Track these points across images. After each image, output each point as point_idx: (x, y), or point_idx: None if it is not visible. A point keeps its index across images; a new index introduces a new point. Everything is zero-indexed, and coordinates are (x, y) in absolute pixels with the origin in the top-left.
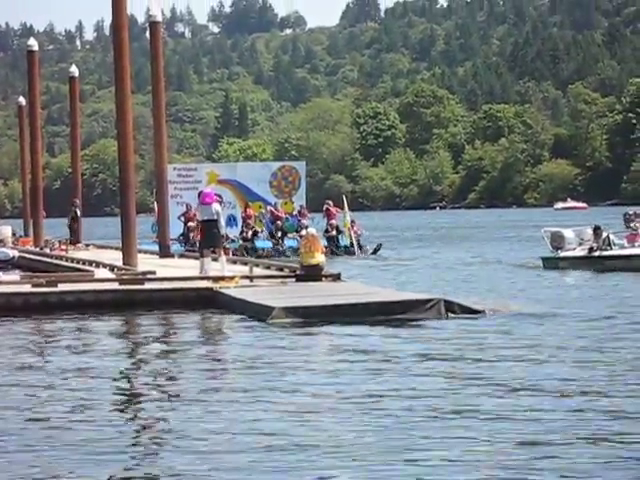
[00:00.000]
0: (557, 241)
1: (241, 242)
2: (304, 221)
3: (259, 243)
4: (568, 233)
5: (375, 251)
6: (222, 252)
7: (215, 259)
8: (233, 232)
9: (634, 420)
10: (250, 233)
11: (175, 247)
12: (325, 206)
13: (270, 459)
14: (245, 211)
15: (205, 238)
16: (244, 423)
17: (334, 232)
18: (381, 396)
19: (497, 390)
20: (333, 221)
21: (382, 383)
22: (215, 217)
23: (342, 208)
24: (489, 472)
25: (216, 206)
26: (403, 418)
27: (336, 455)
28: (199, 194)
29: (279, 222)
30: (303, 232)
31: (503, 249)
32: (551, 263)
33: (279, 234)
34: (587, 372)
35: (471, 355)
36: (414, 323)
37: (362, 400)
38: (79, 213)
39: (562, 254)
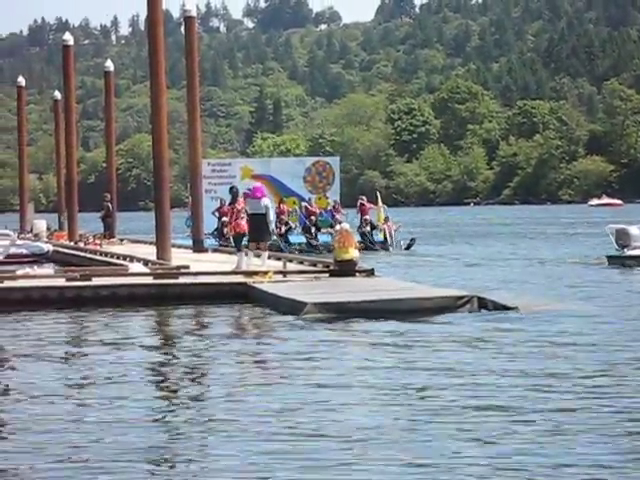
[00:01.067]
0: (623, 239)
1: (275, 237)
2: (338, 216)
3: (293, 238)
4: (634, 230)
5: (409, 246)
6: (266, 247)
7: (258, 255)
8: None
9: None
10: (284, 228)
11: (209, 242)
12: (359, 201)
13: (298, 451)
14: (279, 206)
15: (252, 231)
16: (276, 415)
17: (368, 227)
18: (415, 389)
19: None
20: (367, 216)
21: (415, 377)
22: (264, 211)
23: (376, 204)
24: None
25: (266, 200)
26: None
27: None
28: (230, 189)
29: (313, 217)
30: (337, 227)
31: (550, 246)
32: (617, 261)
33: (313, 229)
34: (565, 369)
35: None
36: (445, 319)
37: (396, 394)
38: (111, 208)
39: (628, 252)
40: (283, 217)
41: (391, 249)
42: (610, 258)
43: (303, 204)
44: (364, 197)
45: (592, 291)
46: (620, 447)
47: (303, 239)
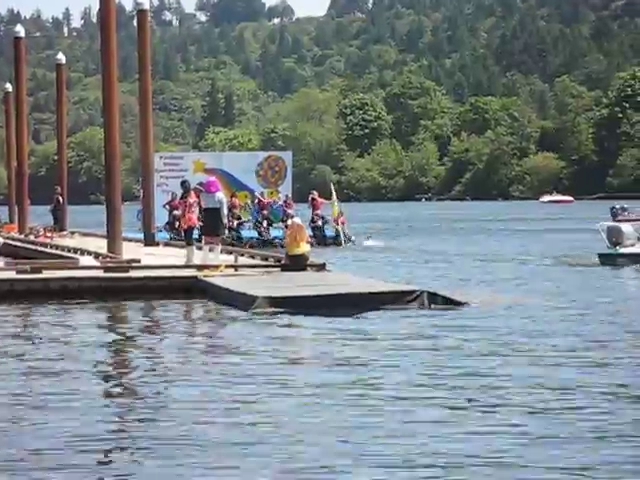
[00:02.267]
0: (615, 236)
1: (226, 232)
2: (290, 211)
3: (245, 233)
4: (627, 227)
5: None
6: (219, 241)
7: (211, 249)
8: None
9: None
10: (235, 223)
11: (161, 235)
12: (310, 196)
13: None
14: (231, 200)
15: (206, 226)
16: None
17: (320, 222)
18: (354, 385)
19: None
20: (319, 211)
21: (351, 373)
22: (218, 206)
23: (329, 198)
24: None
25: (220, 195)
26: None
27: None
28: (182, 183)
29: (265, 211)
30: (289, 222)
31: (515, 244)
32: (609, 259)
33: (265, 223)
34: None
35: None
36: (393, 314)
37: (328, 390)
38: (61, 200)
39: (621, 250)
40: (235, 211)
41: (343, 244)
42: (602, 256)
43: (256, 195)
44: (315, 192)
45: (566, 287)
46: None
47: (255, 234)
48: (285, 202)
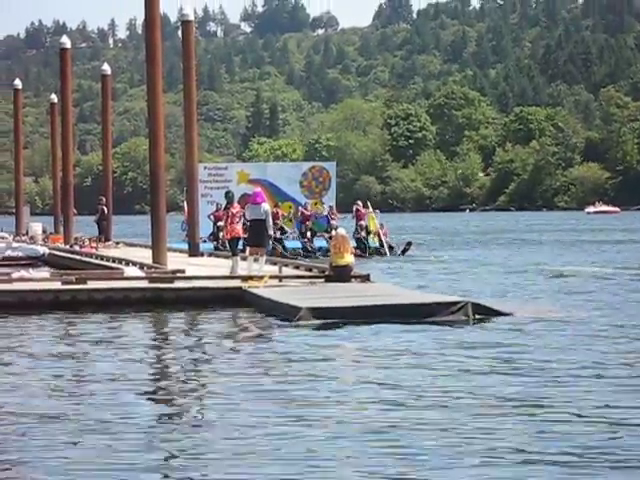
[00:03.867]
0: None
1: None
2: (333, 222)
3: (289, 243)
4: None
5: (404, 251)
6: (264, 252)
7: (256, 259)
8: None
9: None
10: (279, 233)
11: (205, 246)
12: (355, 207)
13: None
14: (275, 211)
15: (252, 237)
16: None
17: (363, 233)
18: (400, 403)
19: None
20: (362, 222)
21: (402, 388)
22: (263, 217)
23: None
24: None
25: (265, 206)
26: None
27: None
28: (226, 193)
29: (308, 222)
30: (333, 233)
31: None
32: None
33: (309, 234)
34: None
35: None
36: (440, 325)
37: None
38: (106, 211)
39: None
40: (278, 222)
41: (388, 254)
42: None
43: (300, 208)
44: (360, 202)
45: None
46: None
47: (299, 244)
48: (329, 212)
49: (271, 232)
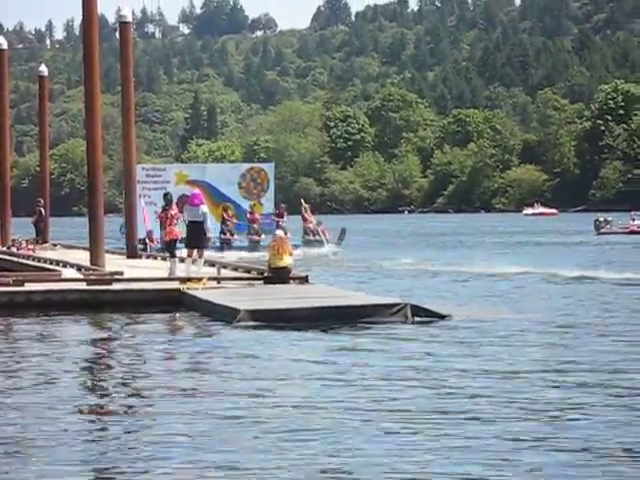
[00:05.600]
0: None
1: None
2: (282, 223)
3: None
4: None
5: (341, 236)
6: (202, 254)
7: (194, 261)
8: None
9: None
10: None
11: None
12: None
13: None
14: (227, 212)
15: (190, 239)
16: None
17: (311, 236)
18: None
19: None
20: (310, 225)
21: (336, 388)
22: (201, 219)
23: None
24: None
25: (203, 208)
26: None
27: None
28: (164, 195)
29: (255, 225)
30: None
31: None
32: None
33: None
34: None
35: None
36: (377, 326)
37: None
38: (44, 212)
39: None
40: (229, 222)
41: (326, 245)
42: None
43: (248, 213)
44: (307, 205)
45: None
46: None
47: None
48: (277, 213)
49: (209, 234)
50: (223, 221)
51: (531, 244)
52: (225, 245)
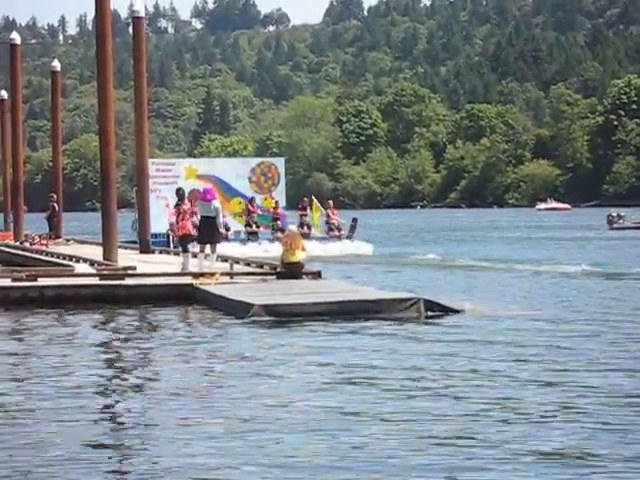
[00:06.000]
0: None
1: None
2: (305, 217)
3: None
4: None
5: (353, 227)
6: (215, 249)
7: (207, 256)
8: None
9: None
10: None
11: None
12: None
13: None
14: (252, 204)
15: (202, 234)
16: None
17: (336, 232)
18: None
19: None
20: (334, 221)
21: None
22: (214, 214)
23: (311, 207)
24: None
25: (216, 203)
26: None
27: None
28: (177, 190)
29: (254, 215)
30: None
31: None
32: None
33: (254, 227)
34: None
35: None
36: (391, 321)
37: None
38: (57, 207)
39: None
40: (254, 214)
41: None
42: None
43: (247, 203)
44: (331, 202)
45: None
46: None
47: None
48: (274, 209)
49: (222, 229)
50: (249, 213)
51: (548, 239)
52: (251, 237)
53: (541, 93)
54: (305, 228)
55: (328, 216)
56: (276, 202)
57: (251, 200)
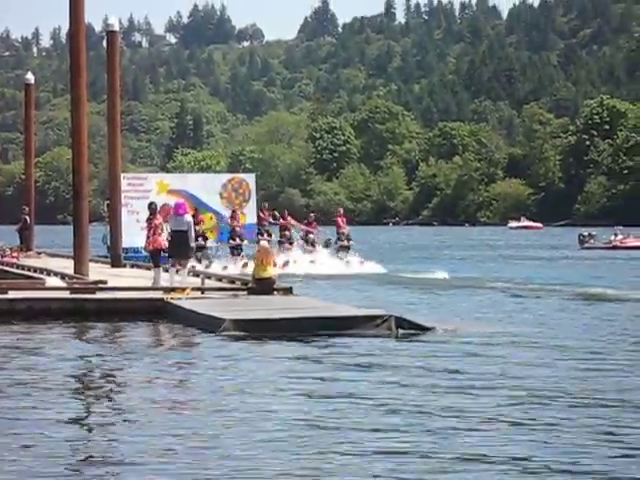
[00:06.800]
0: None
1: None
2: (311, 235)
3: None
4: None
5: (326, 245)
6: (187, 264)
7: (178, 271)
8: None
9: None
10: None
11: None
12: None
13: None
14: (196, 216)
15: (174, 248)
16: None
17: (345, 242)
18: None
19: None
20: (344, 230)
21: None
22: (186, 228)
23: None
24: None
25: (188, 217)
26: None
27: None
28: (149, 205)
29: (238, 228)
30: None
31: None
32: None
33: (238, 240)
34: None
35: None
36: (360, 338)
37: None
38: (28, 220)
39: None
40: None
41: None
42: None
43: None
44: (312, 215)
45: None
46: None
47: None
48: (306, 222)
49: (193, 244)
50: (232, 227)
51: (520, 258)
52: (235, 251)
53: (514, 112)
54: (309, 245)
55: (338, 226)
56: (312, 217)
57: (233, 213)
